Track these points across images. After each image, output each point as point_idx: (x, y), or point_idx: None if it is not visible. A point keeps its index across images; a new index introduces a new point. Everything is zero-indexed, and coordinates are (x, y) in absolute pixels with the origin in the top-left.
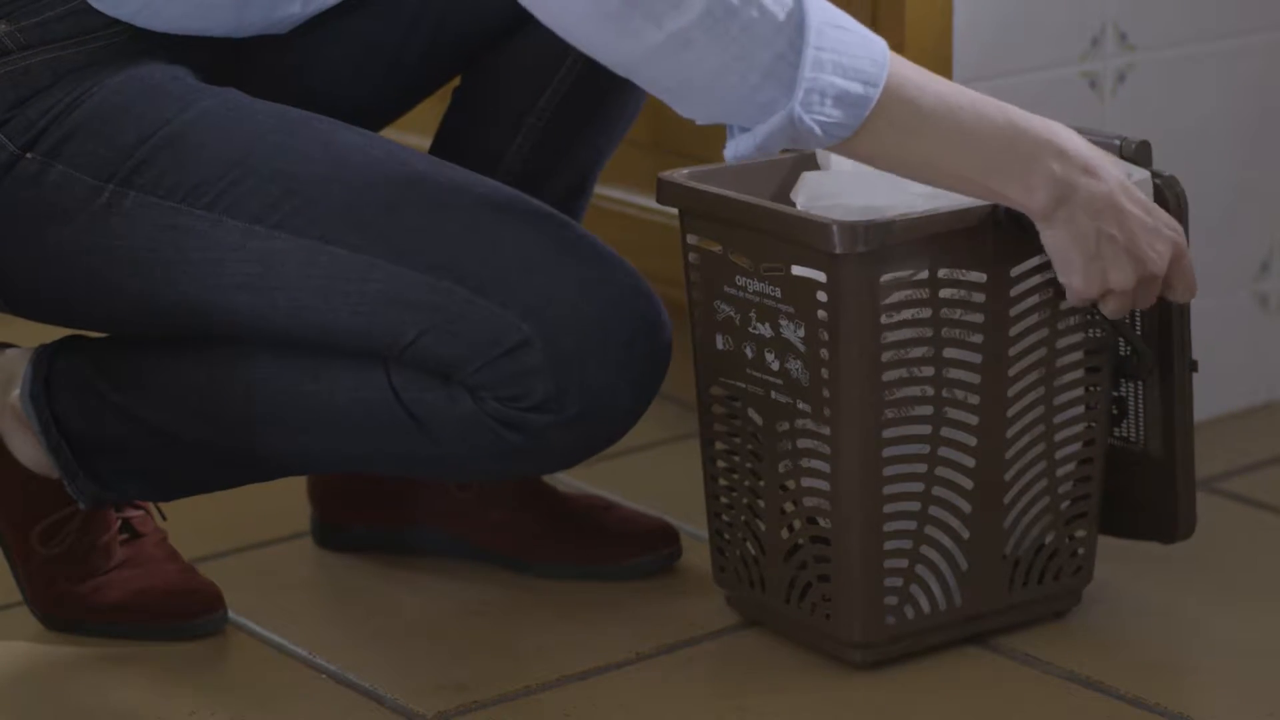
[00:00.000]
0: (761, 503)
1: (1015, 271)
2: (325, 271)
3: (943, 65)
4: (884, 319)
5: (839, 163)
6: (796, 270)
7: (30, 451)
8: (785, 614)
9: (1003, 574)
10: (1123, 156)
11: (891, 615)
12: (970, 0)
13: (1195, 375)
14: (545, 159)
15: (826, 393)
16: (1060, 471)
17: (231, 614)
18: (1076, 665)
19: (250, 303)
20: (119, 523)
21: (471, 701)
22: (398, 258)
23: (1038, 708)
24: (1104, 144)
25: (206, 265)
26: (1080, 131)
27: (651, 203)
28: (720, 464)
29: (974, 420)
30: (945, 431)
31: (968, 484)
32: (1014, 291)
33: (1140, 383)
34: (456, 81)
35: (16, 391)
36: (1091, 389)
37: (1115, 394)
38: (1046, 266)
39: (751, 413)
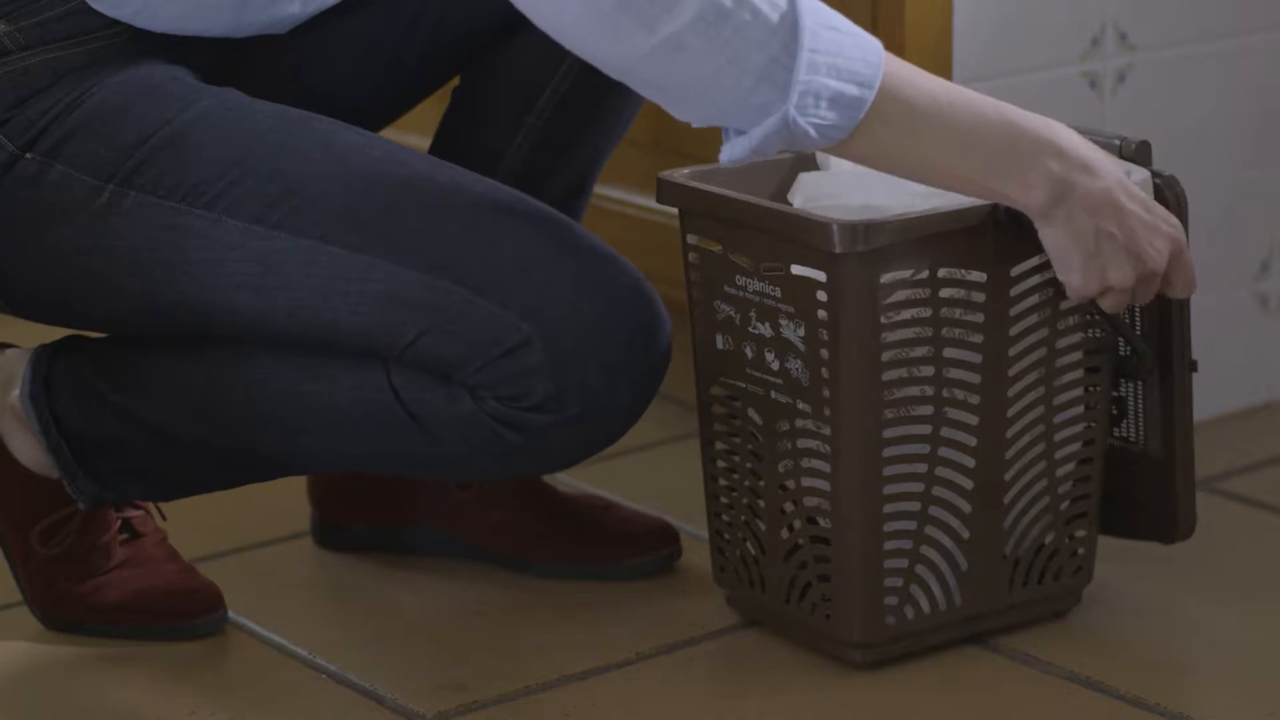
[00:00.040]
0: (761, 503)
1: (1015, 271)
2: (325, 271)
3: (943, 65)
4: (884, 319)
5: (837, 163)
6: (796, 270)
7: (30, 451)
8: (785, 614)
9: (1003, 574)
10: (1123, 156)
11: (891, 615)
12: (970, 0)
13: (1195, 375)
14: (545, 159)
15: (826, 392)
16: (1060, 471)
17: (231, 614)
18: (1076, 665)
19: (250, 302)
20: (119, 523)
21: (471, 701)
22: (397, 257)
23: (1038, 708)
24: (1104, 144)
25: (206, 265)
26: (1080, 132)
27: (651, 203)
28: (720, 464)
29: (974, 420)
30: (945, 431)
31: (968, 484)
32: (1014, 291)
33: (1140, 383)
34: (456, 81)
35: (16, 391)
36: (1091, 389)
37: (1115, 394)
38: (1046, 266)
39: (751, 413)
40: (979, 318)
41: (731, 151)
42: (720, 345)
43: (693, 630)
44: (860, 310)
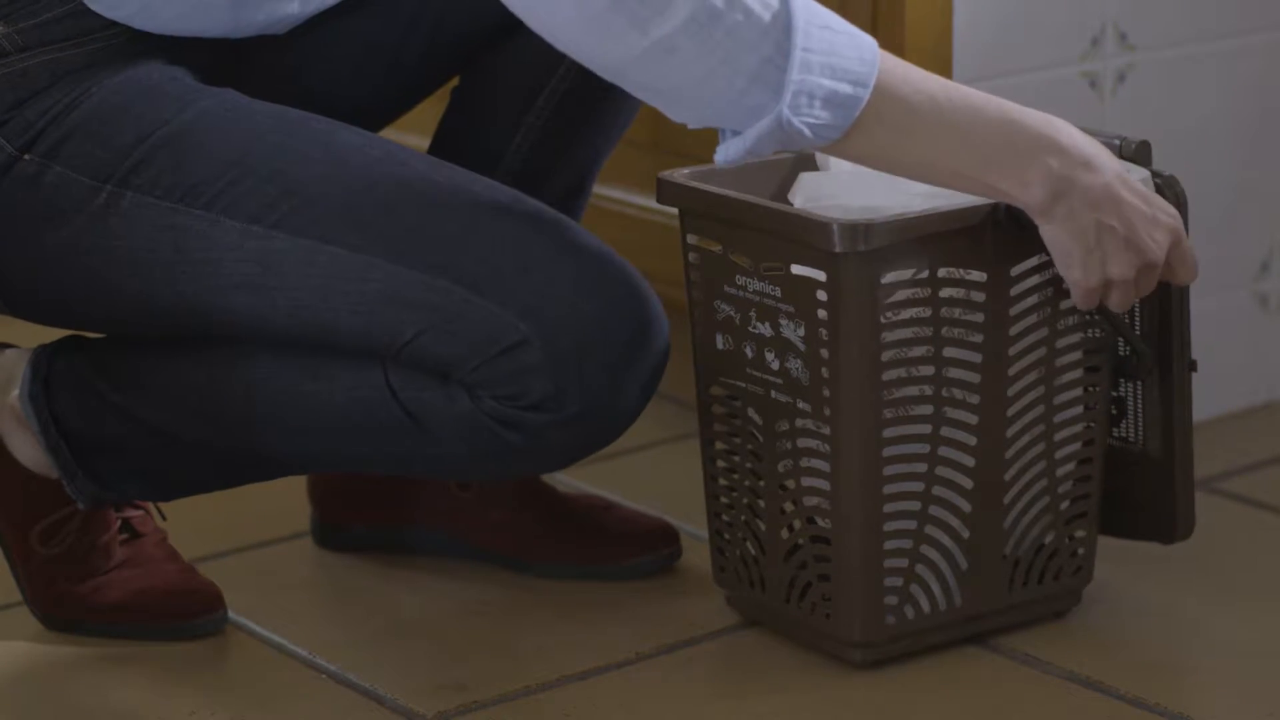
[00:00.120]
0: (761, 502)
1: (1015, 271)
2: (324, 271)
3: (943, 65)
4: (884, 318)
5: (837, 163)
6: (796, 269)
7: (30, 451)
8: (785, 614)
9: (1003, 574)
10: (1123, 156)
11: (891, 615)
12: (970, 0)
13: (1195, 375)
14: (544, 159)
15: (826, 392)
16: (1060, 471)
17: (231, 614)
18: (1076, 665)
19: (249, 302)
20: (119, 523)
21: (471, 701)
22: (396, 257)
23: (1038, 708)
24: (1104, 144)
25: (205, 265)
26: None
27: (651, 203)
28: (720, 464)
29: (974, 420)
30: (945, 431)
31: (968, 484)
32: (1014, 291)
33: (1140, 383)
34: (455, 81)
35: (16, 391)
36: (1091, 389)
37: (1115, 394)
38: (1046, 266)
39: (751, 412)
40: (979, 317)
41: (726, 152)
42: (720, 345)
43: (693, 630)
44: (860, 310)
